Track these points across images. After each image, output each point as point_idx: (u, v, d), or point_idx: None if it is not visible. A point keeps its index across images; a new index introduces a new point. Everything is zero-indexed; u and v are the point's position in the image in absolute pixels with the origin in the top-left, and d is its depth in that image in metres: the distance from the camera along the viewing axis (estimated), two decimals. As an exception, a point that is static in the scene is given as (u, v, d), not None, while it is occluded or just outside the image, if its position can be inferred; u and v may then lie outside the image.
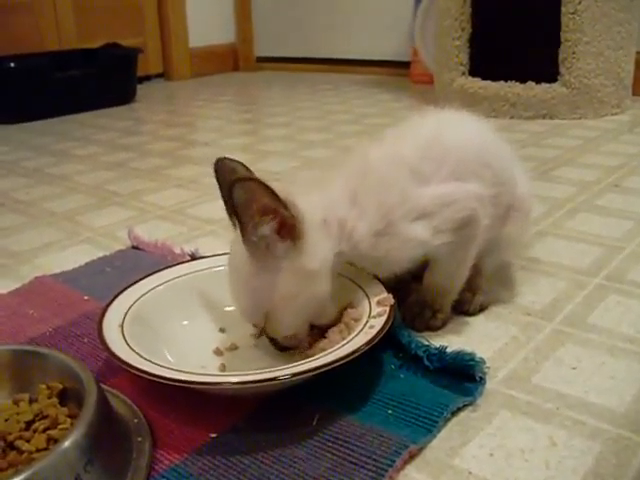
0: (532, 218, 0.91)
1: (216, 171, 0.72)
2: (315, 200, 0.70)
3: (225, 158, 0.72)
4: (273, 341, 0.72)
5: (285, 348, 0.72)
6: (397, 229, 0.71)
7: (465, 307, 0.82)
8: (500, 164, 0.80)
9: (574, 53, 1.91)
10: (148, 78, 3.07)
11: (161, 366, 0.62)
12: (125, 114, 2.39)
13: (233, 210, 0.63)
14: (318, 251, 0.68)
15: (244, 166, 0.73)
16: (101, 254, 1.07)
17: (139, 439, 0.61)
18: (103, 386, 0.67)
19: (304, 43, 3.22)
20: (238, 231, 0.65)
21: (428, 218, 0.72)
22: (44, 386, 0.63)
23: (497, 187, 0.78)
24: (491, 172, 0.77)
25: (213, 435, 0.62)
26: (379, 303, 0.71)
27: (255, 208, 0.63)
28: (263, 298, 0.68)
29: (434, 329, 0.79)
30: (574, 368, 0.71)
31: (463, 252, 0.76)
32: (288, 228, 0.65)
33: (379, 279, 0.75)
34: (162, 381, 0.60)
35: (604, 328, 0.79)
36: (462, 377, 0.68)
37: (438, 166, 0.74)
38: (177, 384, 0.60)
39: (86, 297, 0.91)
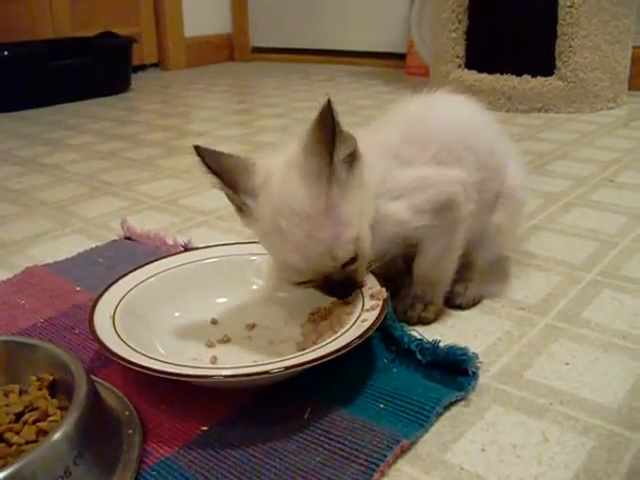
0: (525, 210, 0.90)
1: (200, 154, 0.67)
2: None
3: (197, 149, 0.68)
4: (347, 281, 0.69)
5: (352, 289, 0.70)
6: (378, 203, 0.71)
7: (458, 301, 0.82)
8: (486, 148, 0.80)
9: (571, 47, 1.90)
10: (143, 67, 3.05)
11: (152, 358, 0.62)
12: (119, 103, 2.37)
13: (332, 127, 0.62)
14: (366, 172, 0.69)
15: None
16: (94, 244, 1.06)
17: (130, 431, 0.61)
18: (94, 378, 0.67)
19: (300, 34, 3.21)
20: (295, 175, 0.65)
21: (408, 197, 0.73)
22: (34, 377, 0.63)
23: (482, 172, 0.78)
24: (475, 156, 0.77)
25: (204, 428, 0.62)
26: (372, 296, 0.70)
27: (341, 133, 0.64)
28: (350, 224, 0.66)
29: (427, 322, 0.79)
30: (567, 364, 0.71)
31: (447, 238, 0.76)
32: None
33: (372, 272, 0.75)
34: (153, 373, 0.60)
35: (598, 324, 0.79)
36: (455, 371, 0.67)
37: (420, 149, 0.75)
38: (168, 377, 0.60)
39: (78, 288, 0.90)
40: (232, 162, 0.69)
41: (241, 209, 0.69)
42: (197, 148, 0.67)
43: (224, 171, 0.68)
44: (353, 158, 0.67)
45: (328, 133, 0.62)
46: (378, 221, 0.71)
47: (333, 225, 0.65)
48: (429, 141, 0.75)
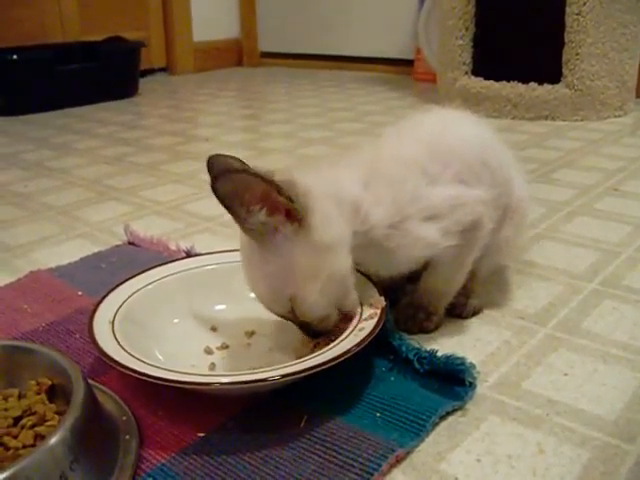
0: (529, 221, 0.90)
1: (209, 169, 0.69)
2: (325, 177, 0.69)
3: (219, 155, 0.70)
4: (305, 327, 0.70)
5: (318, 334, 0.70)
6: (409, 226, 0.70)
7: (459, 310, 0.82)
8: (498, 164, 0.80)
9: (578, 54, 1.90)
10: (151, 72, 3.06)
11: (149, 365, 0.62)
12: (127, 108, 2.38)
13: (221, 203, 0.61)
14: (332, 225, 0.66)
15: (239, 161, 0.71)
16: (97, 249, 1.06)
17: (126, 437, 0.61)
18: (93, 383, 0.67)
19: (308, 39, 3.22)
20: None
21: (438, 219, 0.71)
22: (33, 382, 0.63)
23: (497, 188, 0.77)
24: (491, 173, 0.77)
25: (201, 434, 0.62)
26: (371, 305, 0.70)
27: (245, 198, 0.61)
28: (283, 282, 0.66)
29: (427, 332, 0.79)
30: (566, 374, 0.71)
31: (464, 256, 0.76)
32: (288, 212, 0.64)
33: (371, 280, 0.75)
34: (150, 380, 0.60)
35: (598, 334, 0.79)
36: (452, 381, 0.67)
37: (444, 167, 0.73)
38: (165, 383, 0.60)
39: (80, 293, 0.91)
40: None
41: None
42: (214, 157, 0.69)
43: None
44: (297, 222, 0.64)
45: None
46: (406, 244, 0.70)
47: (266, 279, 0.67)
48: (451, 159, 0.74)
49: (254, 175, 0.61)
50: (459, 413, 0.65)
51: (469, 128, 0.81)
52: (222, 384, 0.60)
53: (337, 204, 0.68)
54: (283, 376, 0.59)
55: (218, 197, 0.60)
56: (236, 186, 0.60)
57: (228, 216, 0.63)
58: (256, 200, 0.62)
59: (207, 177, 0.71)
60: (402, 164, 0.72)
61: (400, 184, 0.71)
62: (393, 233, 0.70)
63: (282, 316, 0.71)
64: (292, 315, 0.69)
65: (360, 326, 0.67)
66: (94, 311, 0.71)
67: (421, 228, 0.70)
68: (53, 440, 0.53)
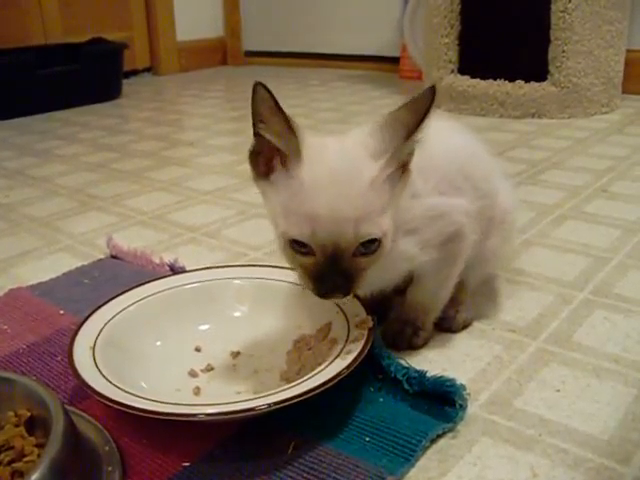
0: (516, 229, 0.89)
1: (253, 97, 0.67)
2: None
3: (263, 85, 0.68)
4: (340, 275, 0.63)
5: (341, 288, 0.63)
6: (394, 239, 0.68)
7: (448, 324, 0.81)
8: (483, 176, 0.78)
9: (564, 52, 1.89)
10: (135, 72, 3.03)
11: (133, 395, 0.60)
12: (111, 111, 2.35)
13: (426, 110, 0.64)
14: None
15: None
16: (79, 263, 1.04)
17: (109, 468, 0.59)
18: (74, 410, 0.65)
19: (293, 37, 3.19)
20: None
21: (418, 232, 0.70)
22: (12, 413, 0.61)
23: (480, 200, 0.76)
24: (473, 185, 0.75)
25: (186, 464, 0.60)
26: (357, 326, 0.69)
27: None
28: (386, 214, 0.63)
29: (416, 347, 0.77)
30: (558, 391, 0.70)
31: (448, 269, 0.74)
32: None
33: (358, 298, 0.73)
34: (134, 412, 0.58)
35: (589, 347, 0.77)
36: (442, 401, 0.66)
37: (425, 179, 0.71)
38: (150, 415, 0.58)
39: (62, 311, 0.89)
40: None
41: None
42: (258, 85, 0.68)
43: None
44: (406, 168, 0.65)
45: (418, 115, 0.63)
46: (391, 257, 0.68)
47: (371, 204, 0.62)
48: (431, 172, 0.72)
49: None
50: (450, 435, 0.63)
51: (452, 139, 0.79)
52: (207, 415, 0.58)
53: None
54: (270, 405, 0.58)
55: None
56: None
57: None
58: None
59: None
60: None
61: None
62: None
63: (334, 248, 0.63)
64: (360, 249, 0.63)
65: (347, 349, 0.65)
66: (74, 336, 0.69)
67: (401, 242, 0.69)
68: (33, 478, 0.51)
